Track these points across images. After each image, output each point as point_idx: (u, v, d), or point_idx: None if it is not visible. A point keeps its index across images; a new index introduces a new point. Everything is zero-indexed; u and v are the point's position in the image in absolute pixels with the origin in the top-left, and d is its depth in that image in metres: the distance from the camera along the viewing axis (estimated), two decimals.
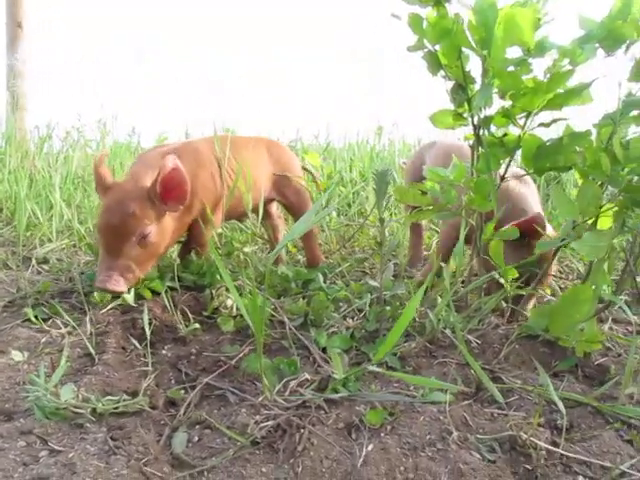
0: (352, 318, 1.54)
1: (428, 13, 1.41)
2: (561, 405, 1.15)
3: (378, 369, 1.11)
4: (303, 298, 1.72)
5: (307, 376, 1.22)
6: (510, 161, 1.56)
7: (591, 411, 1.26)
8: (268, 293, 1.70)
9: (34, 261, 2.24)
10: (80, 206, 2.89)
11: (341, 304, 1.65)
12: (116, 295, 1.59)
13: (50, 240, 2.53)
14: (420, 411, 1.18)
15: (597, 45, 1.44)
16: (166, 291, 1.70)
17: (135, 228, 1.57)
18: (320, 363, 1.32)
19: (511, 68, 1.46)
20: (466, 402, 1.25)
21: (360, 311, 1.59)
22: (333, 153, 3.77)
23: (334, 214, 2.79)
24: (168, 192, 1.60)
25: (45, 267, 2.22)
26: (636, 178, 1.39)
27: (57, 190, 2.74)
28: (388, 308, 1.48)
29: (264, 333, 1.46)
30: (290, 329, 1.39)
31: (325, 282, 1.79)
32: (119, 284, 1.54)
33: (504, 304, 1.67)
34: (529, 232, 1.58)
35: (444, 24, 1.37)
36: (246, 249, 2.26)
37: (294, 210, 2.14)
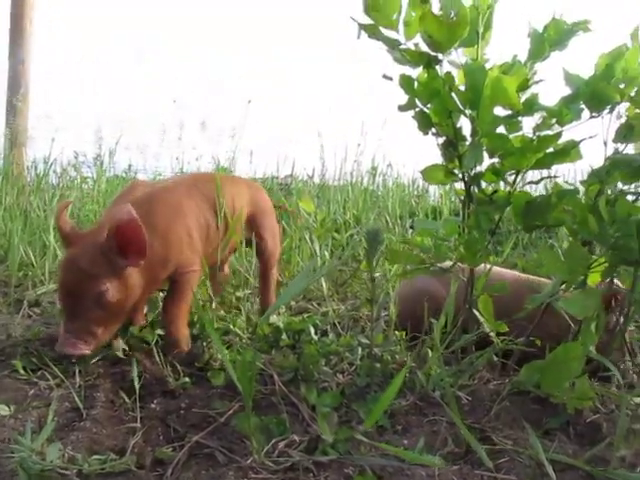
0: (343, 373, 1.53)
1: (419, 74, 1.44)
2: (551, 470, 1.15)
3: (365, 439, 1.10)
4: (293, 349, 1.72)
5: (296, 437, 1.21)
6: (500, 218, 1.58)
7: (582, 475, 1.25)
8: (259, 346, 1.70)
9: (25, 304, 2.23)
10: None
11: (332, 357, 1.65)
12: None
13: (42, 282, 2.52)
14: (409, 474, 1.17)
15: (582, 106, 1.47)
16: (157, 341, 1.70)
17: (90, 288, 1.47)
18: (309, 422, 1.31)
19: (500, 128, 1.49)
20: (456, 465, 1.24)
21: (351, 365, 1.59)
22: (327, 193, 3.80)
23: (326, 255, 2.80)
24: (126, 246, 1.47)
25: (36, 310, 2.21)
26: (623, 236, 1.40)
27: (51, 231, 2.74)
28: (378, 365, 1.47)
29: (255, 389, 1.46)
30: (279, 386, 1.39)
31: (317, 333, 1.79)
32: (78, 348, 1.47)
33: (495, 358, 1.67)
34: None
35: (434, 85, 1.40)
36: (238, 293, 2.27)
37: (267, 252, 2.06)
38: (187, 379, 1.51)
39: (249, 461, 1.17)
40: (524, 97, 1.53)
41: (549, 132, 1.48)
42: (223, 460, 1.23)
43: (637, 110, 1.40)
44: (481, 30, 1.49)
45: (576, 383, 1.48)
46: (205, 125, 4.85)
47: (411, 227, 3.44)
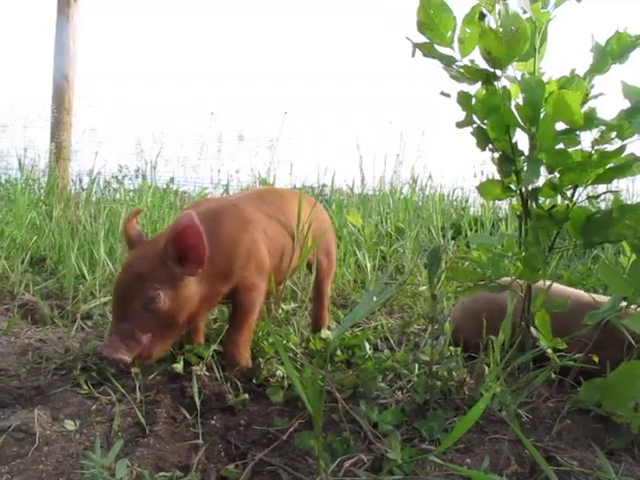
0: (401, 390, 1.53)
1: (477, 90, 1.44)
2: None
3: (438, 459, 1.10)
4: (348, 365, 1.72)
5: (362, 456, 1.21)
6: (558, 233, 1.56)
7: None
8: (315, 362, 1.70)
9: (79, 317, 2.27)
10: (122, 259, 2.94)
11: (388, 373, 1.64)
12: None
13: (93, 295, 2.57)
14: None
15: None
16: (213, 356, 1.71)
17: (141, 291, 1.43)
18: (372, 440, 1.31)
19: (560, 145, 1.47)
20: None
21: (409, 382, 1.58)
22: (368, 204, 3.80)
23: (368, 267, 2.79)
24: (185, 253, 1.44)
25: (89, 323, 2.25)
26: None
27: (101, 244, 2.80)
28: (439, 383, 1.47)
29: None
30: (341, 403, 1.39)
31: (370, 348, 1.79)
32: (118, 351, 1.42)
33: (552, 375, 1.64)
34: None
35: (492, 101, 1.40)
36: (285, 307, 2.28)
37: (323, 270, 2.02)
38: (246, 395, 1.52)
39: None
40: (582, 111, 1.51)
41: (608, 146, 1.46)
42: (287, 478, 1.24)
43: None
44: (538, 44, 1.48)
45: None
46: (242, 137, 4.90)
47: (453, 238, 3.42)
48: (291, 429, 1.38)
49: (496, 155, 1.57)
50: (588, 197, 1.50)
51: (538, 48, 1.50)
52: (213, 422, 1.46)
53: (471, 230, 3.30)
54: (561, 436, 1.44)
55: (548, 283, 1.56)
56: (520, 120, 1.41)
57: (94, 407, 1.51)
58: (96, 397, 1.55)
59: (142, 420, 1.43)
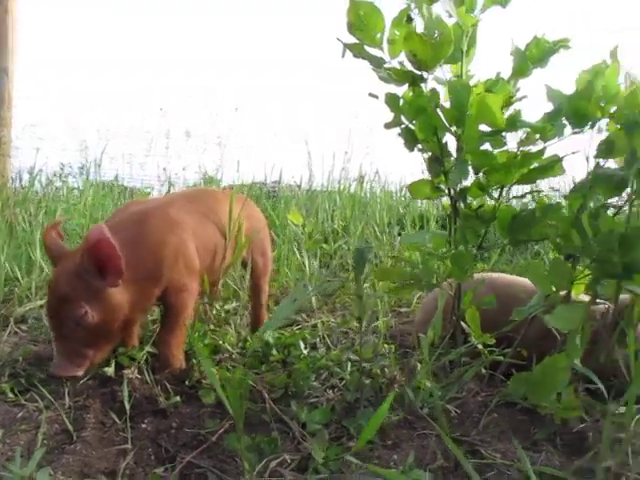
0: (333, 389, 1.54)
1: (404, 92, 1.46)
2: None
3: (354, 459, 1.12)
4: (283, 364, 1.73)
5: (287, 456, 1.22)
6: (486, 232, 1.60)
7: None
8: (249, 362, 1.70)
9: (12, 321, 2.21)
10: None
11: (322, 372, 1.66)
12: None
13: (28, 298, 2.51)
14: None
15: (565, 122, 1.49)
16: (147, 359, 1.70)
17: (69, 311, 1.45)
18: (300, 440, 1.32)
19: (485, 144, 1.51)
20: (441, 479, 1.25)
21: (341, 380, 1.60)
22: (315, 201, 3.81)
23: (315, 265, 2.81)
24: (102, 266, 1.44)
25: (23, 327, 2.19)
26: (605, 250, 1.43)
27: (37, 245, 2.72)
28: (367, 380, 1.49)
29: (245, 407, 1.47)
30: (269, 404, 1.39)
31: (306, 347, 1.80)
32: (69, 370, 1.47)
33: (483, 370, 1.68)
34: None
35: (420, 102, 1.42)
36: (227, 306, 2.27)
37: (259, 269, 2.03)
38: (178, 398, 1.51)
39: None
40: (507, 113, 1.55)
41: (533, 148, 1.50)
42: None
43: (617, 126, 1.43)
44: (465, 48, 1.51)
45: (563, 394, 1.50)
46: (190, 134, 4.84)
47: (399, 234, 3.46)
48: (221, 430, 1.38)
49: (426, 156, 1.59)
50: (514, 197, 1.54)
51: (466, 51, 1.53)
52: (144, 426, 1.45)
53: (415, 227, 3.34)
54: (487, 429, 1.48)
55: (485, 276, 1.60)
56: (446, 122, 1.44)
57: (20, 415, 1.47)
58: (23, 404, 1.52)
59: (69, 426, 1.40)
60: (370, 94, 1.44)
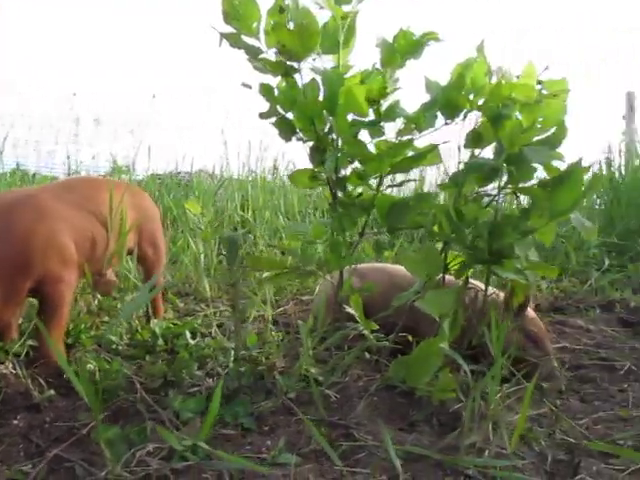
0: (212, 377, 1.55)
1: (279, 82, 1.47)
2: (397, 462, 1.21)
3: (206, 446, 1.13)
4: (170, 355, 1.72)
5: (151, 446, 1.22)
6: (367, 220, 1.64)
7: (433, 464, 1.32)
8: (134, 353, 1.68)
9: None
10: None
11: (208, 360, 1.66)
12: None
13: None
14: (266, 475, 1.20)
15: (438, 113, 1.54)
16: (28, 353, 1.65)
17: None
18: (172, 429, 1.32)
19: (365, 133, 1.54)
20: (315, 463, 1.28)
21: (225, 367, 1.61)
22: (228, 190, 3.79)
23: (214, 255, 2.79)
24: None
25: None
26: (475, 237, 1.49)
27: None
28: (243, 369, 1.50)
29: (121, 397, 1.46)
30: (141, 393, 1.39)
31: (196, 337, 1.80)
32: None
33: (368, 355, 1.73)
34: None
35: (293, 93, 1.43)
36: (126, 297, 2.23)
37: (149, 261, 2.01)
38: (52, 392, 1.48)
39: (104, 473, 1.16)
40: (386, 104, 1.59)
41: (410, 137, 1.55)
42: (82, 473, 1.22)
43: (484, 118, 1.49)
44: (341, 39, 1.53)
45: (439, 376, 1.56)
46: (100, 121, 4.71)
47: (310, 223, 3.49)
48: (93, 423, 1.36)
49: (307, 145, 1.61)
50: (390, 186, 1.58)
51: (343, 42, 1.55)
52: (15, 422, 1.41)
53: (324, 215, 3.38)
54: (365, 413, 1.52)
55: None
56: (321, 112, 1.46)
57: None
58: None
59: None
60: (243, 84, 1.44)
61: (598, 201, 4.64)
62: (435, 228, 1.52)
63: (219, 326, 1.98)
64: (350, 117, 1.55)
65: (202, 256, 2.41)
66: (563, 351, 2.20)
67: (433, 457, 1.32)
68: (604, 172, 4.65)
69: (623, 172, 4.70)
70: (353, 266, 2.11)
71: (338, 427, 1.44)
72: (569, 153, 1.52)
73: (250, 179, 4.04)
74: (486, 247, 1.47)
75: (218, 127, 4.40)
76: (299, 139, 1.56)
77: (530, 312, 1.87)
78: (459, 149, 1.54)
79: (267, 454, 1.29)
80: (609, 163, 4.57)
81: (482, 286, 1.81)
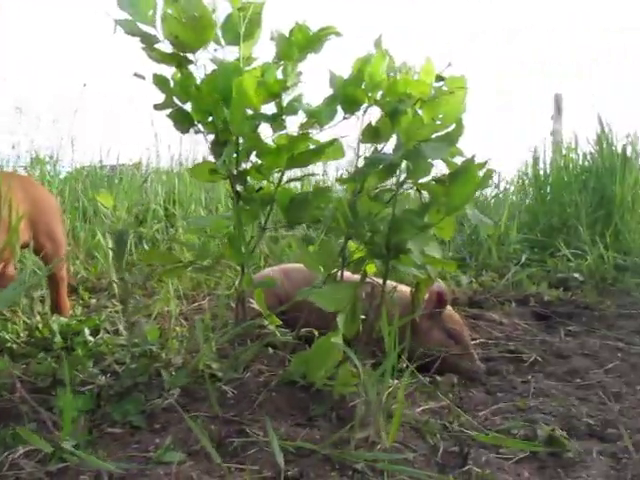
0: (107, 374, 1.51)
1: (174, 73, 1.44)
2: (280, 457, 1.21)
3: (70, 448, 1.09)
4: (68, 353, 1.67)
5: (24, 449, 1.18)
6: (269, 214, 1.62)
7: (322, 459, 1.32)
8: (28, 351, 1.63)
9: None
10: None
11: (107, 358, 1.62)
12: None
13: None
14: (149, 474, 1.17)
15: (339, 107, 1.54)
16: None
17: None
18: (53, 429, 1.27)
19: (266, 127, 1.52)
20: (206, 460, 1.26)
21: (122, 364, 1.57)
22: (155, 183, 3.72)
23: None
24: None
25: None
26: (372, 232, 1.50)
27: None
28: (134, 366, 1.47)
29: (4, 398, 1.40)
30: (21, 393, 1.34)
31: (99, 333, 1.75)
32: None
33: (271, 350, 1.72)
34: None
35: (187, 84, 1.40)
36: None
37: (48, 255, 1.95)
38: None
39: None
40: (289, 98, 1.58)
41: (307, 131, 1.54)
42: None
43: (382, 113, 1.49)
44: (242, 30, 1.50)
45: (339, 370, 1.56)
46: (21, 109, 4.53)
47: None
48: None
49: (208, 138, 1.59)
50: (289, 180, 1.57)
51: (246, 34, 1.52)
52: None
53: None
54: (263, 408, 1.51)
55: None
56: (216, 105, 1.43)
57: None
58: None
59: None
60: (136, 74, 1.40)
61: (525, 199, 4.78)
62: (334, 223, 1.52)
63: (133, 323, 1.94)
64: (251, 110, 1.54)
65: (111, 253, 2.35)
66: (475, 345, 2.25)
67: (322, 452, 1.32)
68: (529, 170, 4.78)
69: (549, 171, 4.83)
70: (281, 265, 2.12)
71: (232, 423, 1.43)
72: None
73: (177, 172, 3.97)
74: (384, 242, 1.48)
75: (148, 119, 4.31)
76: (197, 131, 1.54)
77: (448, 310, 1.90)
78: (359, 144, 1.54)
79: (154, 453, 1.26)
80: (535, 162, 4.70)
81: (394, 283, 1.83)
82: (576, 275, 3.33)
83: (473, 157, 1.42)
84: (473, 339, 2.28)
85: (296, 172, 1.80)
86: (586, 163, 4.45)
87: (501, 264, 3.41)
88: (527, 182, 4.82)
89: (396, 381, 1.59)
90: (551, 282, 3.29)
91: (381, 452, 1.35)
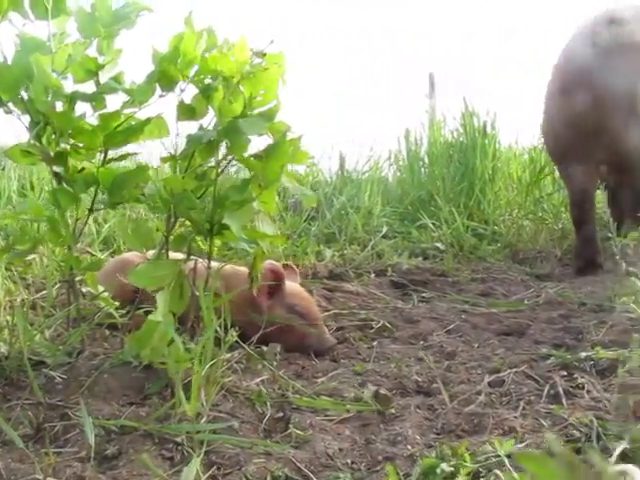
0: None
1: None
2: (91, 436, 1.22)
3: None
4: None
5: None
6: (96, 195, 1.60)
7: (143, 434, 1.33)
8: None
9: None
10: None
11: None
12: None
13: None
14: None
15: (157, 85, 1.53)
16: None
17: None
18: None
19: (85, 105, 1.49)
20: (25, 447, 1.24)
21: None
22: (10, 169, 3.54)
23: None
24: None
25: None
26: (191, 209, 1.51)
27: None
28: None
29: None
30: None
31: None
32: None
33: (107, 332, 1.71)
34: None
35: None
36: None
37: None
38: None
39: None
40: (109, 75, 1.55)
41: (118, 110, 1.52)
42: None
43: (196, 91, 1.50)
44: (50, 5, 1.46)
45: (171, 348, 1.57)
46: None
47: None
48: None
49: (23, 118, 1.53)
50: (110, 160, 1.55)
51: (53, 9, 1.48)
52: None
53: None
54: (93, 391, 1.50)
55: None
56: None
57: None
58: None
59: None
60: None
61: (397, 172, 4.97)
62: (154, 202, 1.52)
63: None
64: (73, 88, 1.50)
65: None
66: (329, 317, 2.33)
67: (144, 428, 1.34)
68: (403, 145, 4.96)
69: (426, 146, 5.02)
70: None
71: (57, 408, 1.41)
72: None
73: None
74: (206, 219, 1.50)
75: None
76: (8, 112, 1.48)
77: (292, 286, 1.95)
78: (177, 122, 1.54)
79: None
80: (407, 137, 4.88)
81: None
82: (438, 244, 3.51)
83: (285, 133, 1.46)
84: (326, 311, 2.36)
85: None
86: (452, 140, 4.67)
87: (367, 237, 3.53)
88: (400, 157, 5.00)
89: (229, 355, 1.63)
90: (415, 253, 3.45)
91: (207, 424, 1.38)
